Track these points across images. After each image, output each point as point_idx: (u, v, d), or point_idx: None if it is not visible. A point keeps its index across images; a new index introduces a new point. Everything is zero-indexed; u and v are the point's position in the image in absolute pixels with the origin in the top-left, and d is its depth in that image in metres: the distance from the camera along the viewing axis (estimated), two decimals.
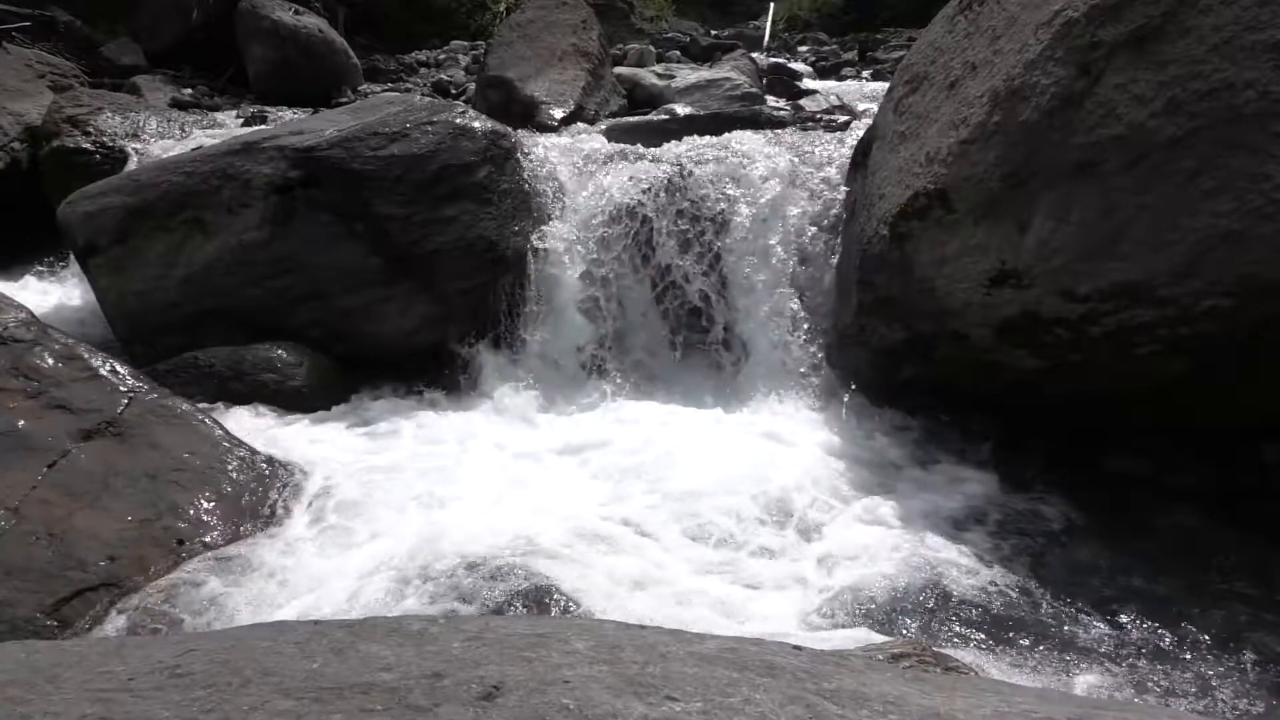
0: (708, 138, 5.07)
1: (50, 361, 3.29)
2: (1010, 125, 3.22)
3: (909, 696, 1.31)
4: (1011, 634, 2.63)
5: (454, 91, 8.29)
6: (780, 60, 10.52)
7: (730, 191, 4.60)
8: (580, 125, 6.10)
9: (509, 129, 4.89)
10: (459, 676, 1.26)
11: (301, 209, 4.42)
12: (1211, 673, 2.45)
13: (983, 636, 2.62)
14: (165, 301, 4.54)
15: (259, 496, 3.27)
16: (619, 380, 4.43)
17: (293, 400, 4.20)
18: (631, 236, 4.54)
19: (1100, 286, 3.07)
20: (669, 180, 4.62)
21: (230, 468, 3.30)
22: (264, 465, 3.41)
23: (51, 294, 5.69)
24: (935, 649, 2.38)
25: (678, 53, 10.91)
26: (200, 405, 3.71)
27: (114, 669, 1.35)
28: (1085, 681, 2.42)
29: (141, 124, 6.21)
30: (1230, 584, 2.87)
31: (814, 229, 4.51)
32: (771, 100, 7.37)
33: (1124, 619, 2.69)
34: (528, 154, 4.85)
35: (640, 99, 7.25)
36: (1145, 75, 2.91)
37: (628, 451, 3.75)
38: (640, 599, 2.73)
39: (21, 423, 3.05)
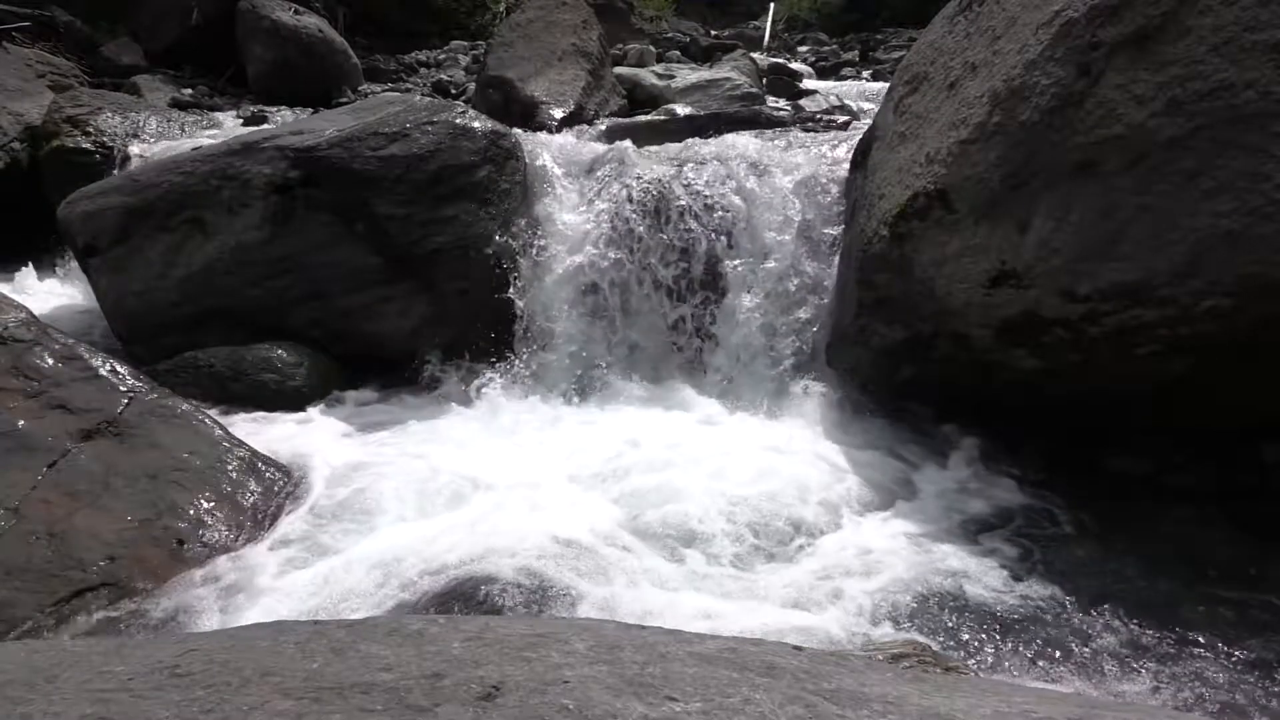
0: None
1: (50, 361, 3.29)
2: (1010, 125, 3.22)
3: (909, 696, 1.31)
4: (1011, 634, 2.63)
5: (454, 91, 8.30)
6: (780, 60, 10.52)
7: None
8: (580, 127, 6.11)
9: (509, 129, 4.89)
10: (459, 676, 1.26)
11: (301, 209, 4.42)
12: (1211, 673, 2.45)
13: (982, 636, 2.62)
14: (165, 301, 4.54)
15: (259, 497, 3.27)
16: (618, 385, 4.42)
17: (293, 400, 4.20)
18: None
19: (1100, 286, 3.07)
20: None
21: (230, 468, 3.30)
22: (263, 466, 3.41)
23: (51, 294, 5.68)
24: (935, 649, 2.38)
25: (678, 53, 10.91)
26: (200, 405, 3.71)
27: (114, 669, 1.35)
28: (1085, 681, 2.42)
29: (141, 124, 6.21)
30: (1230, 584, 2.86)
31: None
32: (771, 100, 7.37)
33: (1124, 619, 2.69)
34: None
35: (640, 99, 7.25)
36: (1145, 75, 2.91)
37: (626, 460, 3.70)
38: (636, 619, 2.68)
39: (21, 423, 3.05)
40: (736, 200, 4.56)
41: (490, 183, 4.54)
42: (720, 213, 4.53)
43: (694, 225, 4.52)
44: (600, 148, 5.11)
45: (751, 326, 4.39)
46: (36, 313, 3.65)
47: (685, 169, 4.69)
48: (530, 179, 4.76)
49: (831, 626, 2.65)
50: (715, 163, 4.70)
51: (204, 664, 1.34)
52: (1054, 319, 3.23)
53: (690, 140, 5.22)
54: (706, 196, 4.56)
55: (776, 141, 5.04)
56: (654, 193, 4.59)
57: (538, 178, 4.80)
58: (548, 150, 5.00)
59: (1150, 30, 2.90)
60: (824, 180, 4.58)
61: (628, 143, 4.99)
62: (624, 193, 4.63)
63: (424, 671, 1.28)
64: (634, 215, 4.56)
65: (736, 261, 4.48)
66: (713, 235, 4.50)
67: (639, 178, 4.68)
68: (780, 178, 4.62)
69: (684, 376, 4.44)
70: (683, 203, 4.55)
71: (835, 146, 4.85)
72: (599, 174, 4.81)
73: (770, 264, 4.45)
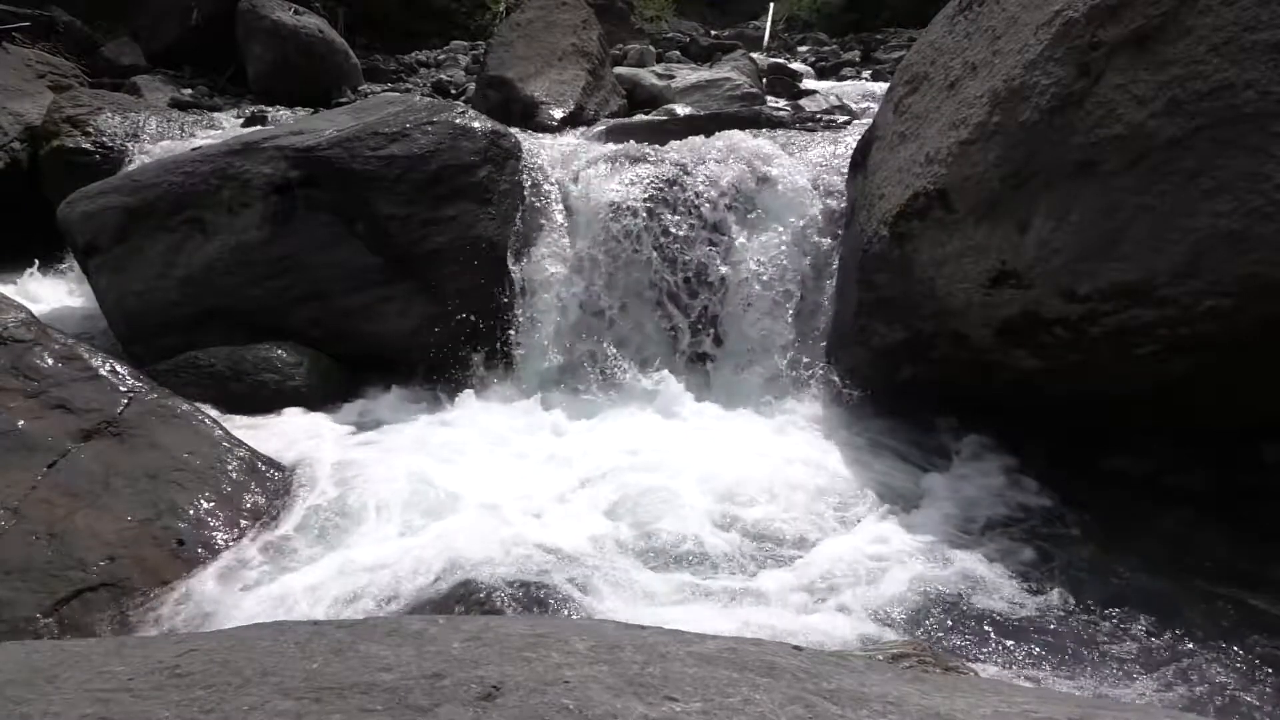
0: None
1: (50, 361, 3.29)
2: (1010, 125, 3.22)
3: (909, 696, 1.31)
4: (1011, 634, 2.63)
5: (454, 91, 8.30)
6: (780, 60, 10.51)
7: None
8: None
9: (509, 129, 4.89)
10: (459, 676, 1.26)
11: (301, 209, 4.42)
12: (1211, 672, 2.45)
13: (982, 636, 2.62)
14: (165, 301, 4.54)
15: (258, 497, 3.27)
16: (616, 385, 4.40)
17: (292, 400, 4.20)
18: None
19: (1100, 286, 3.07)
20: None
21: (230, 468, 3.30)
22: (263, 466, 3.41)
23: (51, 294, 5.69)
24: (935, 649, 2.38)
25: (678, 53, 10.91)
26: (200, 405, 3.71)
27: (114, 669, 1.35)
28: (1085, 681, 2.42)
29: (141, 124, 6.21)
30: (1230, 584, 2.86)
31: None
32: (771, 100, 7.37)
33: (1123, 619, 2.69)
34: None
35: (640, 99, 7.25)
36: (1145, 75, 2.91)
37: (626, 462, 3.67)
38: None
39: (21, 423, 3.05)
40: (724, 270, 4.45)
41: (490, 183, 4.54)
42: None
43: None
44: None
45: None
46: (37, 313, 3.65)
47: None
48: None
49: (831, 628, 2.65)
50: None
51: (204, 664, 1.34)
52: (1054, 319, 3.23)
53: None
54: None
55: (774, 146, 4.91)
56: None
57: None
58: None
59: (1150, 30, 2.90)
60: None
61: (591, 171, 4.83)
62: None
63: (424, 671, 1.28)
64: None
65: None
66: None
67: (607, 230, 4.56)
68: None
69: (683, 377, 4.42)
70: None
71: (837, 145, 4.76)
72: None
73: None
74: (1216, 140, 2.80)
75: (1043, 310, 3.24)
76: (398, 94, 6.92)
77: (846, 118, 6.31)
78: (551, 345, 4.50)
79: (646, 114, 6.80)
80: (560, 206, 4.72)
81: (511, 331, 4.50)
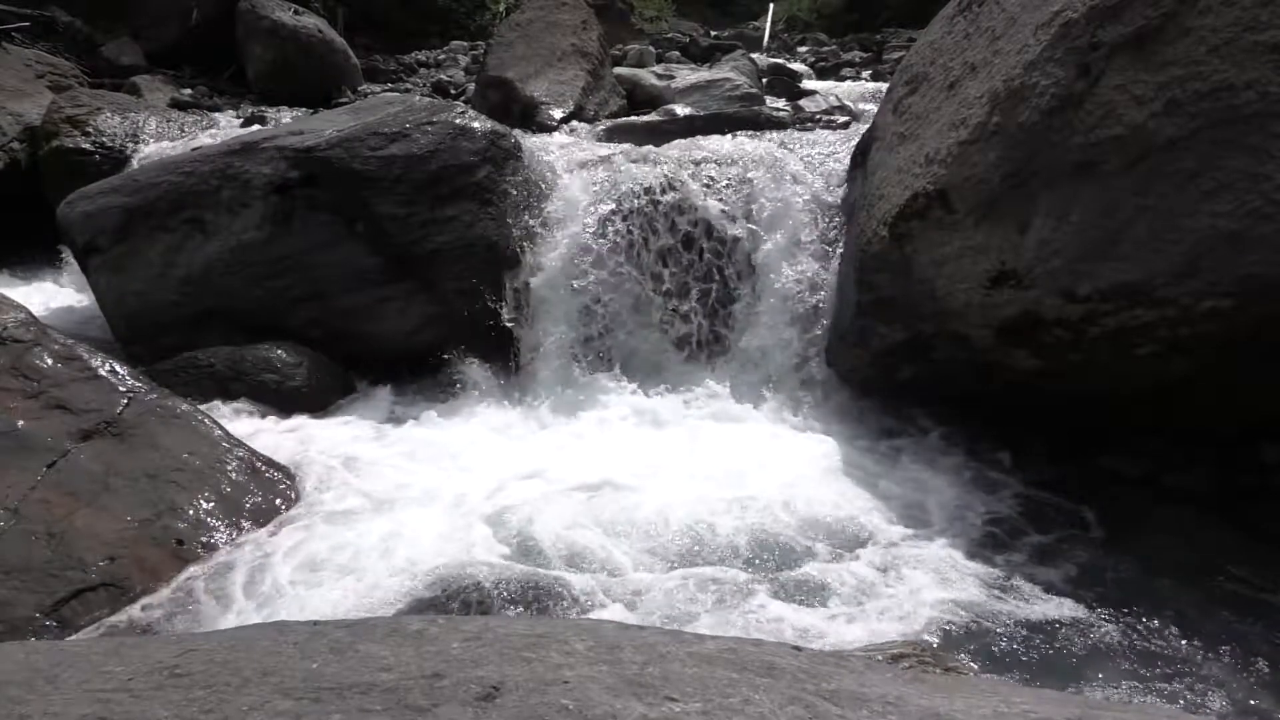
0: None
1: (50, 361, 3.29)
2: (1010, 126, 3.22)
3: (909, 696, 1.31)
4: (1011, 634, 2.63)
5: (454, 91, 8.30)
6: (780, 60, 10.51)
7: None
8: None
9: (509, 129, 4.89)
10: (458, 676, 1.26)
11: (301, 209, 4.42)
12: (1211, 672, 2.45)
13: (982, 636, 2.62)
14: (165, 301, 4.54)
15: (258, 498, 3.27)
16: (616, 387, 4.39)
17: (292, 400, 4.20)
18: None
19: (1100, 287, 3.07)
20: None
21: (230, 468, 3.30)
22: (262, 466, 3.41)
23: (51, 294, 5.69)
24: (935, 649, 2.38)
25: (678, 53, 10.92)
26: (200, 405, 3.71)
27: (114, 669, 1.35)
28: (1085, 681, 2.42)
29: (141, 124, 6.21)
30: (1230, 584, 2.87)
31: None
32: (771, 101, 7.37)
33: (1123, 619, 2.69)
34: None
35: (640, 99, 7.25)
36: (1145, 76, 2.91)
37: (626, 465, 3.65)
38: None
39: (21, 423, 3.04)
40: None
41: (490, 183, 4.54)
42: None
43: None
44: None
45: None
46: (36, 313, 3.65)
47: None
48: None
49: (831, 627, 2.65)
50: None
51: (204, 664, 1.34)
52: (1054, 319, 3.23)
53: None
54: None
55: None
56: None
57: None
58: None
59: (1150, 31, 2.90)
60: None
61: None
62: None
63: (424, 671, 1.28)
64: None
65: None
66: None
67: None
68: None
69: (681, 379, 4.41)
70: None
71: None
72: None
73: None
74: (1216, 140, 2.80)
75: (1043, 310, 3.24)
76: (398, 94, 6.92)
77: (846, 118, 6.31)
78: (551, 346, 4.49)
79: (646, 114, 6.80)
80: (559, 206, 4.71)
81: (512, 332, 4.49)
